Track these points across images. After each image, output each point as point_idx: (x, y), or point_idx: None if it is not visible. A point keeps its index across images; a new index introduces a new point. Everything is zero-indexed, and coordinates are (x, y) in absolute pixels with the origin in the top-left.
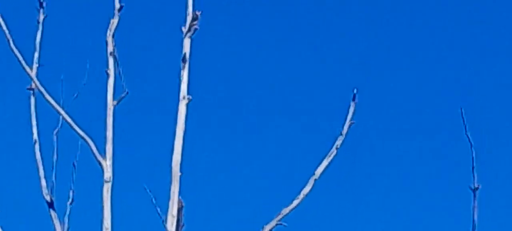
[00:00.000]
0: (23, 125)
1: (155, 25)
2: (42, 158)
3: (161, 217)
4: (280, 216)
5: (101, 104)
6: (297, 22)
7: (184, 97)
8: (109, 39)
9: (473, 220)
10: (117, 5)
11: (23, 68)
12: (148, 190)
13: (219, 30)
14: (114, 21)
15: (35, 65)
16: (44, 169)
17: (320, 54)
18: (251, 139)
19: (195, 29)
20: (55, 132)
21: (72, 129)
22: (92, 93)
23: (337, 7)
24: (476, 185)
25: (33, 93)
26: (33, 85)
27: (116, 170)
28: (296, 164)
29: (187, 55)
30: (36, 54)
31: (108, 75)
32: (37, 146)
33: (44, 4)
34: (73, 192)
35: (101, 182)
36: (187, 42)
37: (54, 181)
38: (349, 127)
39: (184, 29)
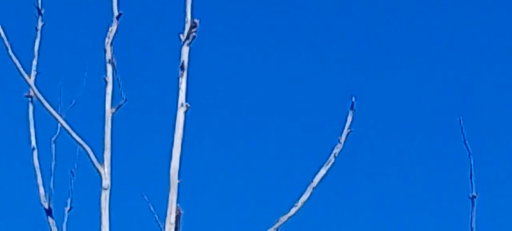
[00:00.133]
0: (21, 132)
1: (154, 33)
2: (40, 165)
3: (159, 225)
4: (278, 224)
5: (99, 111)
6: (297, 29)
7: (182, 105)
8: (108, 47)
9: (471, 229)
10: (116, 13)
11: (21, 75)
12: (146, 198)
13: (218, 37)
14: (113, 29)
15: (33, 73)
16: (42, 176)
17: (317, 62)
18: (249, 147)
19: (194, 37)
20: (53, 139)
21: (70, 136)
22: (90, 101)
23: (336, 10)
24: (474, 193)
25: (31, 101)
26: (31, 93)
27: (114, 177)
28: (294, 172)
29: (185, 63)
30: (34, 62)
31: (106, 82)
32: (35, 153)
33: (42, 11)
34: (71, 199)
35: (99, 189)
36: (185, 50)
37: (52, 189)
38: (347, 135)
39: (183, 37)
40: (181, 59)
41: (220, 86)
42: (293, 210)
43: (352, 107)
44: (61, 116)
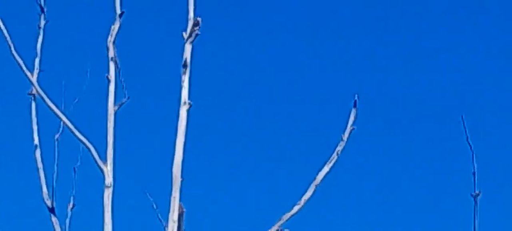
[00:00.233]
0: (24, 130)
1: (156, 31)
2: (43, 163)
3: (162, 223)
4: (280, 222)
5: (102, 109)
6: (300, 27)
7: (185, 103)
8: (110, 45)
9: (474, 227)
10: (118, 11)
11: (24, 73)
12: (149, 195)
13: (220, 35)
14: (115, 27)
15: (36, 71)
16: (45, 174)
17: (320, 60)
18: (252, 145)
19: (196, 35)
20: (56, 137)
21: (73, 134)
22: (93, 99)
23: (340, 7)
24: (476, 192)
25: (34, 99)
26: (34, 91)
27: (117, 175)
28: (297, 170)
29: (188, 61)
30: (37, 60)
31: (109, 80)
32: (38, 151)
33: (45, 10)
34: (74, 197)
35: (102, 187)
36: (188, 48)
37: (55, 186)
38: (350, 133)
39: (185, 35)
40: (184, 57)
41: (222, 84)
42: (296, 208)
43: (355, 105)
44: (64, 114)
